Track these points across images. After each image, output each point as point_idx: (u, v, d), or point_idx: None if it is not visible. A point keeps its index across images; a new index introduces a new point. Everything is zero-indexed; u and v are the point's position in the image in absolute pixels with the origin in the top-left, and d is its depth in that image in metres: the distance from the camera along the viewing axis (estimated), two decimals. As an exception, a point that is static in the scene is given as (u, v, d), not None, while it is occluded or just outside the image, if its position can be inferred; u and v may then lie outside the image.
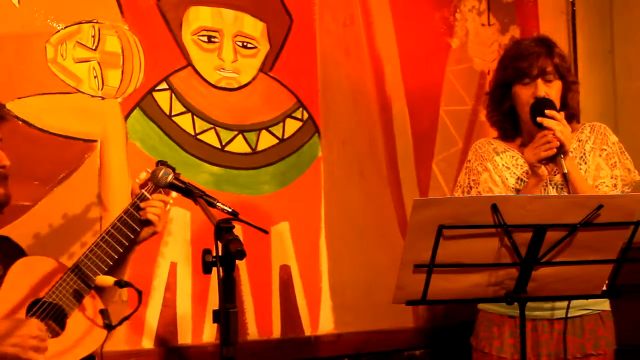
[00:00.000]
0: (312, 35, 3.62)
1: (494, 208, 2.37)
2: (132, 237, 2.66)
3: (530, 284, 2.50)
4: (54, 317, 2.53)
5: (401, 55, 3.83)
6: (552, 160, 2.90)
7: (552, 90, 3.01)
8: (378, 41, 3.78)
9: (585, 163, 2.99)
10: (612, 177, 3.02)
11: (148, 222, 2.68)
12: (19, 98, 2.92)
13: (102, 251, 2.62)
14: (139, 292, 2.58)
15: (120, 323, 2.61)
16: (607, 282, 2.60)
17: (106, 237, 2.64)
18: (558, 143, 2.87)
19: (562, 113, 2.93)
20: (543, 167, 2.91)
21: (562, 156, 2.86)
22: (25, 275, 2.53)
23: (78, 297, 2.56)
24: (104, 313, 2.59)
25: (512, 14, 4.18)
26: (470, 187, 3.12)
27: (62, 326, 2.53)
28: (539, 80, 3.00)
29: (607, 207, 2.41)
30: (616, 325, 3.10)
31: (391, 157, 3.78)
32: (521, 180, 3.03)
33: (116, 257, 2.63)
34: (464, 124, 3.99)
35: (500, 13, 4.14)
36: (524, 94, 3.02)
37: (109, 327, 2.57)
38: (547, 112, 2.91)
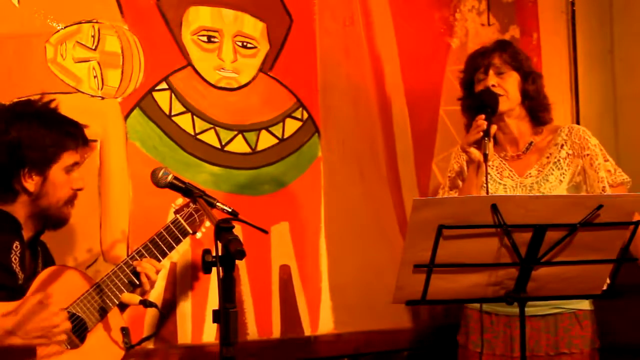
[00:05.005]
0: (312, 35, 3.62)
1: (494, 208, 2.37)
2: (168, 252, 2.68)
3: (530, 284, 2.50)
4: (75, 329, 2.52)
5: (401, 55, 3.83)
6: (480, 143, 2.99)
7: (506, 82, 3.13)
8: (378, 41, 3.78)
9: (559, 169, 3.03)
10: (599, 181, 3.07)
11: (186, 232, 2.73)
12: (19, 98, 2.92)
13: (130, 269, 2.63)
14: (162, 315, 2.58)
15: (139, 343, 2.61)
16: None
17: (135, 256, 2.64)
18: (485, 126, 2.96)
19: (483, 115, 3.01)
20: (473, 150, 2.98)
21: (486, 139, 2.95)
22: (52, 284, 2.51)
23: (102, 312, 2.56)
24: (124, 331, 2.58)
25: (511, 14, 4.18)
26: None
27: (82, 339, 2.52)
28: (491, 72, 3.12)
29: (607, 207, 2.41)
30: (617, 324, 3.10)
31: (391, 157, 3.77)
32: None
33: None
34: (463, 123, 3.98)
35: (500, 13, 4.14)
36: (480, 88, 3.15)
37: (128, 345, 2.56)
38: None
